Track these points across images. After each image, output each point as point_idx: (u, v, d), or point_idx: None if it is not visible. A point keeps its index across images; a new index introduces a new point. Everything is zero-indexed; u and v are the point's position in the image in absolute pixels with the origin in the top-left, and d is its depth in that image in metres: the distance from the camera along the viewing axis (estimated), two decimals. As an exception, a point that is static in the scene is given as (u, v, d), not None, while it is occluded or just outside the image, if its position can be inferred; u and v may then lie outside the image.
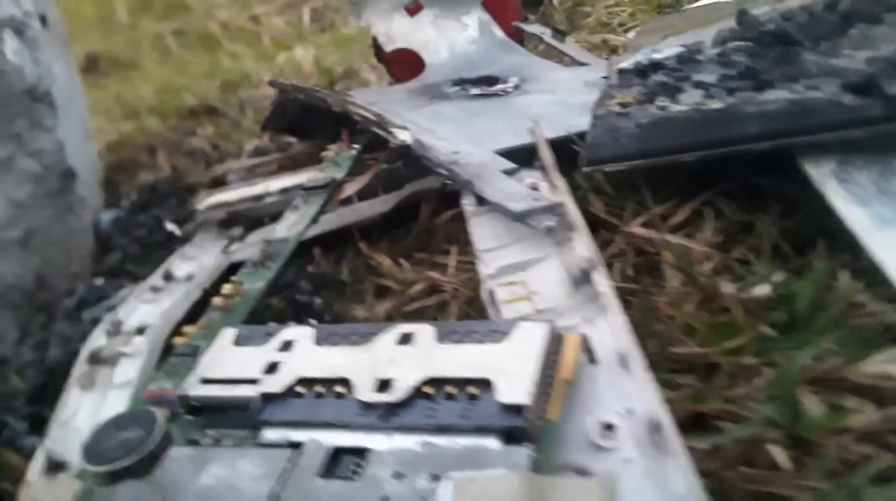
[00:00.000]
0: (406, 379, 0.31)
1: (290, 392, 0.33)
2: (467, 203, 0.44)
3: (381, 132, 0.48)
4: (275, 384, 0.33)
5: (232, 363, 0.35)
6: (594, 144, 0.46)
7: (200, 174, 0.97)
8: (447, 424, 0.30)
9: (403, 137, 0.46)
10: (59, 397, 0.52)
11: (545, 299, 0.37)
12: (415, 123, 0.53)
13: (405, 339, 0.34)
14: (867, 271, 0.36)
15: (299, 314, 0.51)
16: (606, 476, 0.28)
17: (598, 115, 0.48)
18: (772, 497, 0.30)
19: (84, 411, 0.38)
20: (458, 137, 0.49)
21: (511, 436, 0.29)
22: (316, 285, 0.54)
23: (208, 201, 0.61)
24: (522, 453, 0.28)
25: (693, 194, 0.46)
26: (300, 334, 0.36)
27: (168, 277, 0.52)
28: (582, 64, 0.66)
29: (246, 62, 1.47)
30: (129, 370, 0.40)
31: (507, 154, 0.48)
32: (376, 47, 0.75)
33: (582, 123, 0.51)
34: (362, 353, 0.34)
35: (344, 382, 0.32)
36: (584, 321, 0.35)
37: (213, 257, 0.57)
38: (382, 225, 0.57)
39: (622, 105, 0.49)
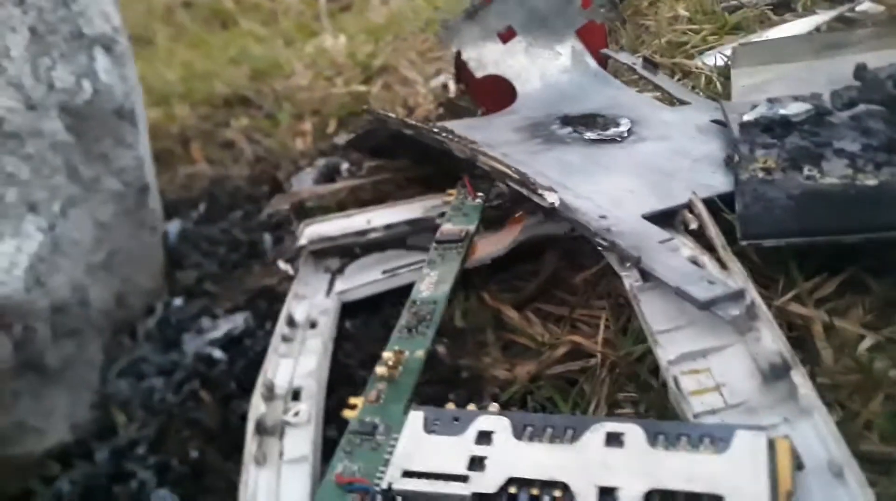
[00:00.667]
0: (630, 490, 0.31)
1: (502, 492, 0.33)
2: (628, 277, 0.43)
3: (522, 190, 0.48)
4: (486, 483, 0.33)
5: (430, 453, 0.35)
6: (748, 217, 0.45)
7: (244, 172, 0.96)
8: (684, 542, 0.30)
9: (552, 199, 0.46)
10: (183, 444, 0.52)
11: (736, 393, 0.37)
12: (542, 173, 0.52)
13: (614, 439, 0.34)
14: None
15: (428, 364, 0.50)
16: None
17: (743, 180, 0.48)
18: None
19: (263, 490, 0.38)
20: (598, 196, 0.49)
21: (753, 559, 0.29)
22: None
23: (309, 233, 0.60)
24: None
25: (839, 266, 0.46)
26: (497, 425, 0.36)
27: (291, 322, 0.51)
28: (681, 101, 0.66)
29: (273, 48, 1.44)
30: (299, 444, 0.40)
31: (651, 217, 0.47)
32: (459, 70, 0.74)
33: (716, 181, 0.51)
34: (570, 453, 0.34)
35: (561, 486, 0.32)
36: (784, 421, 0.35)
37: (324, 297, 0.56)
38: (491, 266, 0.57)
39: (765, 170, 0.49)
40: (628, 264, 0.43)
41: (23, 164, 0.53)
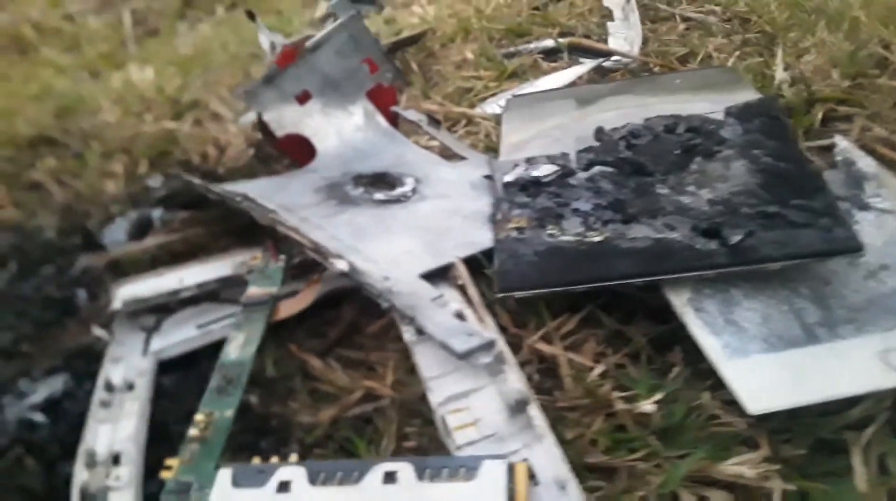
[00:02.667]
0: (401, 519, 0.40)
1: (299, 533, 0.40)
2: (406, 332, 0.52)
3: (317, 257, 0.55)
4: (285, 526, 0.40)
5: (237, 506, 0.41)
6: (503, 272, 0.55)
7: (54, 221, 0.96)
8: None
9: (341, 266, 0.53)
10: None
11: (488, 426, 0.46)
12: (336, 237, 0.59)
13: (389, 478, 0.42)
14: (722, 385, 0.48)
15: (242, 414, 0.56)
16: None
17: (500, 239, 0.58)
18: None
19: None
20: (383, 258, 0.57)
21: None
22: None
23: (122, 295, 0.64)
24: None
25: (579, 306, 0.57)
26: (294, 474, 0.43)
27: (109, 387, 0.55)
28: (459, 157, 0.76)
29: (78, 82, 1.42)
30: (122, 505, 0.45)
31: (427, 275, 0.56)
32: (263, 129, 0.80)
33: (482, 237, 0.61)
34: (355, 493, 0.41)
35: (346, 524, 0.40)
36: (524, 446, 0.45)
37: (141, 357, 0.60)
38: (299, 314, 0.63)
39: (518, 229, 0.59)
40: (406, 320, 0.52)
41: None
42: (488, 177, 0.69)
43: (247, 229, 0.76)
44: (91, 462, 0.48)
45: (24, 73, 1.45)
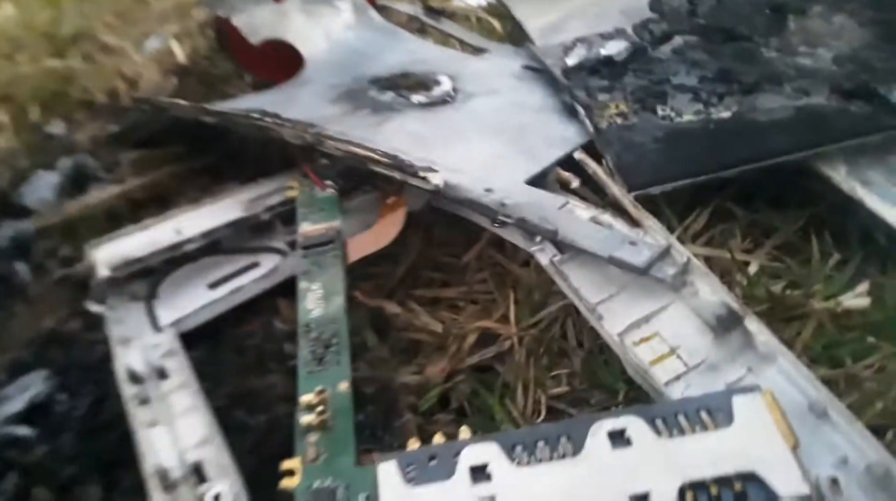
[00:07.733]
0: (662, 491, 0.29)
1: (529, 533, 0.29)
2: (541, 251, 0.40)
3: (395, 175, 0.42)
4: (508, 527, 0.29)
5: (426, 511, 0.30)
6: (624, 167, 0.44)
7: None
8: (733, 529, 0.29)
9: (437, 181, 0.41)
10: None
11: (693, 354, 0.36)
12: (397, 150, 0.47)
13: (618, 438, 0.31)
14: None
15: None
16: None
17: (603, 130, 0.47)
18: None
19: None
20: (469, 166, 0.45)
21: (800, 525, 0.29)
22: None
23: (106, 259, 0.49)
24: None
25: (704, 199, 0.47)
26: (486, 453, 0.31)
27: (135, 378, 0.41)
28: (477, 49, 0.64)
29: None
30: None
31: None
32: (223, 38, 0.64)
33: (570, 132, 0.50)
34: (581, 467, 0.31)
35: (589, 507, 0.29)
36: (749, 372, 0.35)
37: (154, 333, 0.46)
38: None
39: (620, 116, 0.48)
40: (538, 239, 0.40)
41: None
42: (530, 67, 0.58)
43: (225, 165, 0.62)
44: (168, 484, 0.34)
45: None
